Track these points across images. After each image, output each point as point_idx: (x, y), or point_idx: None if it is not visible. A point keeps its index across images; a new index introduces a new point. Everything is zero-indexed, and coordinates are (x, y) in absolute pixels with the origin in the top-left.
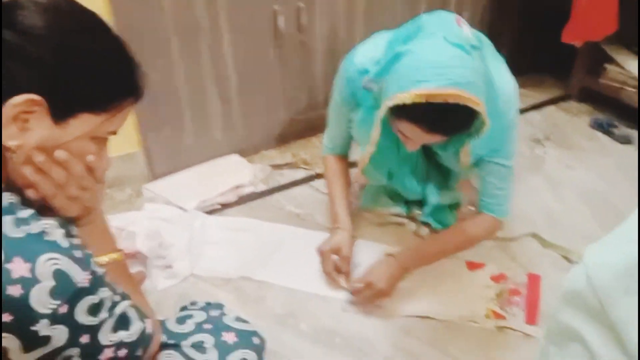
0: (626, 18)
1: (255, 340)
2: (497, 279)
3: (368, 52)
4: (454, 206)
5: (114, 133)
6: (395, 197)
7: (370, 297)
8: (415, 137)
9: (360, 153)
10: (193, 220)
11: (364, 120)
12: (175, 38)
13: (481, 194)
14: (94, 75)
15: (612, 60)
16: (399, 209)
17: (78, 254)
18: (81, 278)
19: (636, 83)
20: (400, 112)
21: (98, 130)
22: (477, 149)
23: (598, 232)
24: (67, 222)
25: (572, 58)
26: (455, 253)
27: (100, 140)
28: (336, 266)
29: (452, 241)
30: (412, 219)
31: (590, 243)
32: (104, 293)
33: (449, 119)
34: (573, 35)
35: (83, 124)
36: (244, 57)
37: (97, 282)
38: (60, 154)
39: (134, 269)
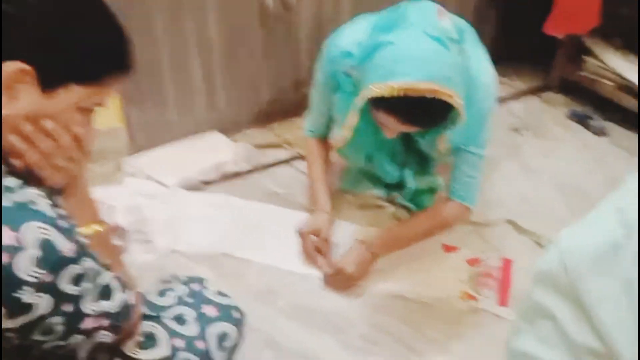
0: (608, 12)
1: (236, 315)
2: (471, 262)
3: (351, 35)
4: (433, 190)
5: (102, 105)
6: (375, 180)
7: (341, 282)
8: (392, 126)
9: (337, 134)
10: (173, 196)
11: (342, 103)
12: (159, 12)
13: (452, 180)
14: (84, 47)
15: (591, 53)
16: (379, 192)
17: (63, 224)
18: (66, 248)
19: (614, 77)
20: (378, 103)
21: (86, 102)
22: (453, 137)
23: (571, 220)
24: (53, 193)
25: (553, 49)
26: (424, 239)
27: (87, 112)
28: (316, 247)
29: (422, 227)
30: (392, 202)
31: (560, 228)
32: (88, 263)
33: (425, 112)
34: (555, 27)
35: (71, 94)
36: (229, 34)
37: (81, 253)
38: (47, 123)
39: (114, 242)
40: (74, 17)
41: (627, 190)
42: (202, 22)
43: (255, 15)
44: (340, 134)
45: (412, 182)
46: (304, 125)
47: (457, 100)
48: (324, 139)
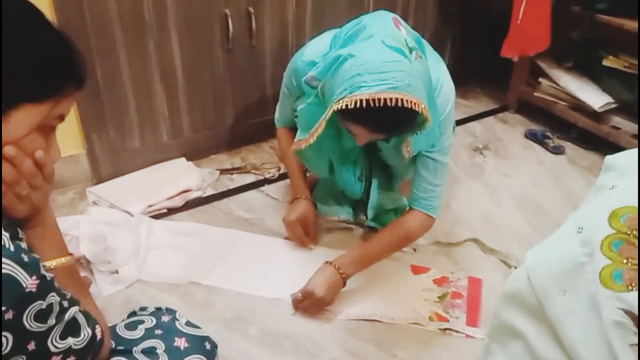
0: (557, 36)
1: (207, 346)
2: (439, 282)
3: (317, 47)
4: (399, 210)
5: (62, 119)
6: (342, 200)
7: (311, 306)
8: (361, 135)
9: (300, 137)
10: (139, 225)
11: (307, 111)
12: (121, 38)
13: (415, 189)
14: (31, 64)
15: (545, 75)
16: (346, 215)
17: (25, 258)
18: (29, 283)
19: (569, 98)
20: (345, 114)
21: (44, 120)
22: (417, 144)
23: (533, 236)
24: (15, 224)
25: (510, 71)
26: (391, 253)
27: (48, 130)
28: (303, 232)
29: (387, 242)
30: (360, 225)
31: (525, 246)
32: (52, 298)
33: (392, 120)
34: (510, 50)
35: (27, 115)
36: (193, 59)
37: (45, 288)
38: (8, 150)
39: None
40: (15, 36)
41: (586, 209)
42: (165, 48)
43: (219, 41)
44: (304, 139)
45: (376, 194)
46: (275, 116)
47: (421, 106)
48: (294, 128)
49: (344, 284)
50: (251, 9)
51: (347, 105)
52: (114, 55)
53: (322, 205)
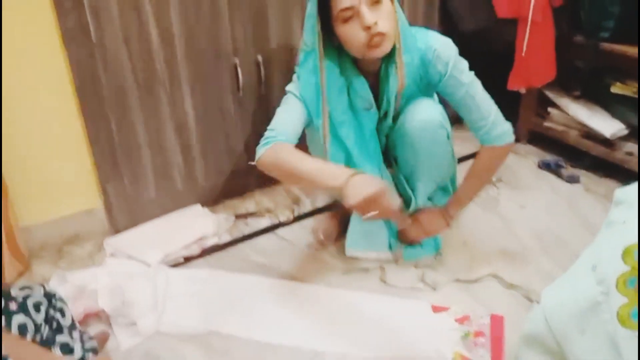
0: (563, 65)
1: None
2: (461, 320)
3: None
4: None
5: None
6: (378, 236)
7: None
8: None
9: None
10: (157, 275)
11: (305, 81)
12: (134, 90)
13: (473, 130)
14: None
15: (554, 104)
16: (384, 254)
17: None
18: None
19: (579, 126)
20: None
21: None
22: (409, 72)
23: (552, 269)
24: None
25: (518, 103)
26: (483, 187)
27: None
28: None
29: (479, 180)
30: (395, 261)
31: (545, 278)
32: None
33: None
34: (517, 83)
35: None
36: (205, 109)
37: None
38: None
39: (97, 328)
40: None
41: (599, 246)
42: (177, 98)
43: (229, 90)
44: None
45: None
46: (261, 141)
47: None
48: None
49: (448, 225)
50: (260, 58)
51: None
52: (128, 108)
53: (357, 245)
